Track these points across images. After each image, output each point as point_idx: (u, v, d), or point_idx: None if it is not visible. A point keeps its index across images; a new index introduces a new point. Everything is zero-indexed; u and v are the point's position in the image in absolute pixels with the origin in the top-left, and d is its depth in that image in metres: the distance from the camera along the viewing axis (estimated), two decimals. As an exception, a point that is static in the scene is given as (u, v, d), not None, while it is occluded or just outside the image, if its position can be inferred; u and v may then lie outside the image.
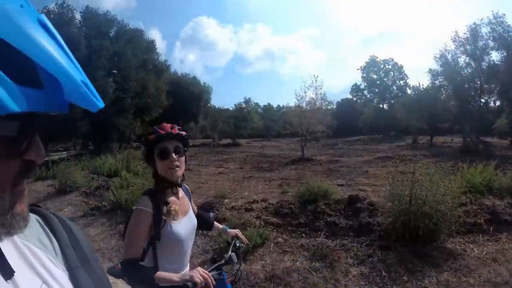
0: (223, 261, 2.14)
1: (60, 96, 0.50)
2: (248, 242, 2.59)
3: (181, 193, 2.12)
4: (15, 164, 0.51)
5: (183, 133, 2.00)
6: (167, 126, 1.96)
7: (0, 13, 0.43)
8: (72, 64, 0.50)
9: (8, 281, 0.53)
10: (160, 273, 1.76)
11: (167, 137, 1.93)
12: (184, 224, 2.01)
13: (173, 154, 1.93)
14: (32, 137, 0.52)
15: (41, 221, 0.69)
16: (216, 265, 2.09)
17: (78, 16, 24.44)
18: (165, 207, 1.91)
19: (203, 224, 2.43)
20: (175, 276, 1.73)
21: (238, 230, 2.54)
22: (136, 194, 6.86)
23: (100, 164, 13.49)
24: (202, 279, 1.65)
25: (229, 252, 2.22)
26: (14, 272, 0.54)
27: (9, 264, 0.54)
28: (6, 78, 0.42)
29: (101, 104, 0.52)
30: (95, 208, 8.00)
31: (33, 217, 0.68)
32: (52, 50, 0.46)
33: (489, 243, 5.08)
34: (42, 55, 0.45)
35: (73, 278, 0.65)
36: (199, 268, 1.72)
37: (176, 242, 1.94)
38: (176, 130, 1.96)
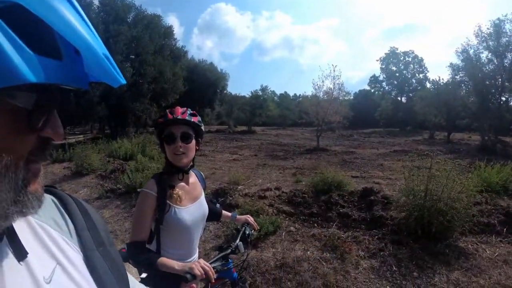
0: (229, 250, 2.11)
1: (80, 69, 0.49)
2: (258, 227, 2.55)
3: (192, 178, 2.11)
4: (31, 139, 0.49)
5: (194, 119, 1.95)
6: (179, 110, 1.93)
7: None
8: (94, 37, 0.48)
9: (21, 262, 0.53)
10: (163, 259, 1.75)
11: (174, 122, 1.90)
12: (192, 211, 1.99)
13: (179, 140, 1.90)
14: (49, 113, 0.50)
15: (57, 202, 0.69)
16: (220, 255, 2.07)
17: (96, 1, 24.54)
18: (169, 190, 1.90)
19: (211, 215, 2.38)
20: (176, 265, 1.70)
21: (248, 216, 2.50)
22: (150, 177, 6.94)
23: (116, 148, 13.65)
24: (202, 271, 1.62)
25: (237, 241, 2.19)
26: (27, 253, 0.54)
27: (23, 245, 0.54)
28: (24, 46, 0.41)
29: (122, 80, 0.51)
30: (110, 190, 8.14)
31: (48, 198, 0.68)
32: (74, 20, 0.45)
33: (502, 245, 5.00)
34: (63, 24, 0.43)
35: (87, 260, 0.65)
36: (201, 260, 1.70)
37: (180, 228, 1.92)
38: (186, 115, 1.91)
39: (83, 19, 0.48)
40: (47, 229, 0.62)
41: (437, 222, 4.73)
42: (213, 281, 1.71)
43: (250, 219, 2.46)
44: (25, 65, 0.40)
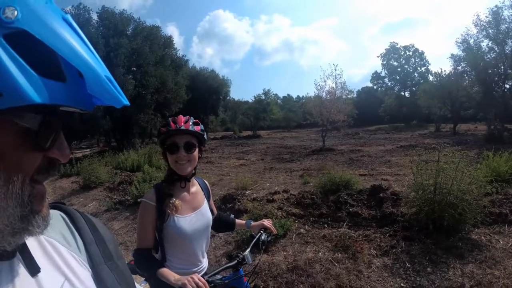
0: (234, 261, 2.05)
1: (84, 91, 0.50)
2: (276, 231, 2.47)
3: (194, 188, 2.11)
4: (37, 159, 0.51)
5: (197, 128, 1.95)
6: (181, 119, 1.92)
7: (25, 7, 0.44)
8: (96, 59, 0.50)
9: (33, 277, 0.54)
10: (163, 270, 1.75)
11: (177, 132, 1.90)
12: (192, 220, 1.98)
13: (182, 150, 1.91)
14: (56, 134, 0.52)
15: (65, 218, 0.70)
16: (223, 267, 1.98)
17: (94, 16, 24.75)
18: (167, 200, 1.91)
19: (225, 226, 2.39)
20: (172, 278, 1.68)
21: (264, 220, 2.44)
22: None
23: (123, 160, 13.73)
24: (195, 287, 1.57)
25: (246, 251, 2.12)
26: (40, 269, 0.56)
27: (36, 262, 0.56)
28: (29, 69, 0.43)
29: (125, 101, 0.52)
30: (119, 202, 8.17)
31: (57, 213, 0.70)
32: (75, 44, 0.48)
33: (515, 234, 4.94)
34: (66, 48, 0.46)
35: (96, 274, 0.66)
36: (195, 275, 1.65)
37: (181, 237, 1.92)
38: (188, 125, 1.91)
39: (85, 43, 0.51)
40: (56, 245, 0.63)
41: (448, 216, 4.67)
42: None
43: (267, 223, 2.40)
44: (30, 86, 0.43)
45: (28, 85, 0.43)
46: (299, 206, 6.66)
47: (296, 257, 4.57)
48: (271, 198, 7.17)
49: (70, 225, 0.70)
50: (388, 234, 5.12)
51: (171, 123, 1.91)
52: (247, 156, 17.76)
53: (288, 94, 70.27)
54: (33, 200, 0.52)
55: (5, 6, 0.43)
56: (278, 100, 61.20)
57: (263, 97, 41.53)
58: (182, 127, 1.89)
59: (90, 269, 0.66)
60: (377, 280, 3.97)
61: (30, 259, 0.56)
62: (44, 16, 0.46)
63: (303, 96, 61.43)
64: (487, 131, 25.79)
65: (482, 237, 4.81)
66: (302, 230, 5.52)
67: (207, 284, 1.60)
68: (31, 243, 0.58)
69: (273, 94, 46.55)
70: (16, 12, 0.43)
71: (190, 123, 1.93)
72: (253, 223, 2.43)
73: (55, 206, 0.72)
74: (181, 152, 1.90)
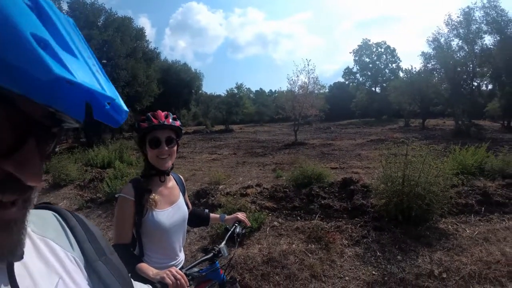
0: (211, 254, 2.07)
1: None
2: (249, 224, 2.51)
3: (170, 182, 2.12)
4: None
5: (177, 123, 1.98)
6: (161, 114, 1.94)
7: None
8: (35, 18, 0.39)
9: (27, 277, 0.52)
10: (141, 265, 1.73)
11: (160, 127, 1.91)
12: (170, 214, 1.99)
13: (164, 144, 1.92)
14: (14, 137, 0.42)
15: (58, 217, 0.69)
16: (200, 260, 1.99)
17: (65, 6, 24.08)
18: (146, 195, 1.91)
19: (200, 220, 2.40)
20: (151, 272, 1.66)
21: (238, 213, 2.45)
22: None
23: (93, 156, 13.41)
24: (174, 280, 1.55)
25: (221, 244, 2.15)
26: None
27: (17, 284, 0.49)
28: None
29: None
30: (90, 200, 7.99)
31: (49, 213, 0.68)
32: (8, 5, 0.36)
33: (481, 223, 5.19)
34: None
35: (93, 271, 0.66)
36: (173, 268, 1.64)
37: (159, 231, 1.93)
38: (169, 120, 1.94)
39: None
40: (50, 244, 0.61)
41: (416, 206, 4.85)
42: None
43: (241, 216, 2.41)
44: None
45: None
46: (272, 199, 6.73)
47: (270, 250, 4.63)
48: (245, 192, 7.21)
49: (63, 223, 0.68)
50: (359, 224, 5.26)
51: (152, 118, 1.91)
52: (220, 151, 17.72)
53: (261, 88, 70.59)
54: None
55: None
56: (251, 94, 61.26)
57: (236, 91, 41.39)
58: (165, 122, 1.90)
59: (83, 267, 0.66)
60: (350, 269, 4.08)
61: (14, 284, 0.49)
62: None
63: (275, 91, 61.58)
64: (454, 126, 26.67)
65: (449, 226, 5.04)
66: (275, 223, 5.58)
67: (185, 277, 1.60)
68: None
69: (246, 88, 46.71)
70: None
71: (171, 118, 1.95)
72: (227, 216, 2.44)
73: (44, 206, 0.70)
74: (163, 147, 1.92)
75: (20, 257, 0.49)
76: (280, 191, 7.05)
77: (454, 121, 28.95)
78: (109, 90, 0.45)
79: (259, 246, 4.82)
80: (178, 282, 1.55)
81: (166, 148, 1.93)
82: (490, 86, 34.51)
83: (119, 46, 24.68)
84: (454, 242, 4.53)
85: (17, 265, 0.50)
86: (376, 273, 3.94)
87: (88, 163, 13.11)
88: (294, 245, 4.73)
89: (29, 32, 0.36)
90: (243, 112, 42.61)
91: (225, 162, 13.64)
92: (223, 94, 43.67)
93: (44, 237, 0.61)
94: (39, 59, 0.35)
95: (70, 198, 8.64)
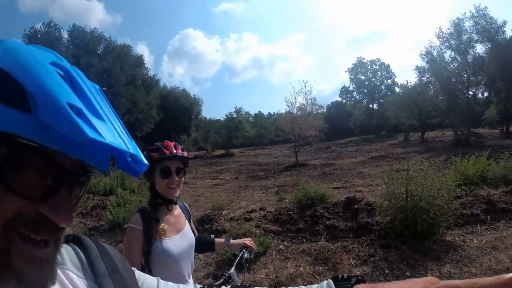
0: (221, 280, 2.05)
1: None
2: (257, 249, 2.51)
3: (176, 210, 2.13)
4: (9, 202, 0.45)
5: (185, 154, 2.03)
6: (171, 145, 1.98)
7: (3, 47, 0.47)
8: (68, 88, 0.46)
9: None
10: None
11: (171, 158, 1.95)
12: (178, 242, 2.00)
13: (175, 174, 1.96)
14: (46, 184, 0.48)
15: (73, 245, 0.69)
16: (212, 286, 2.00)
17: (65, 34, 24.50)
18: (154, 224, 1.92)
19: (205, 246, 2.40)
20: None
21: (245, 239, 2.46)
22: (133, 211, 6.78)
23: (95, 183, 13.32)
24: None
25: (231, 269, 2.13)
26: None
27: None
28: None
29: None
30: (93, 228, 7.91)
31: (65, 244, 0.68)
32: (41, 74, 0.44)
33: (488, 232, 5.18)
34: (28, 78, 0.43)
35: (97, 286, 0.65)
36: None
37: (168, 259, 1.93)
38: (179, 151, 1.98)
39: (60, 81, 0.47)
40: (68, 274, 0.62)
41: (421, 221, 4.83)
42: None
43: (248, 242, 2.41)
44: None
45: None
46: (276, 222, 6.68)
47: (277, 273, 4.59)
48: (248, 217, 7.17)
49: (77, 249, 0.68)
50: (365, 243, 5.22)
51: (164, 149, 1.95)
52: (221, 175, 17.69)
53: (260, 111, 70.68)
54: (9, 256, 0.46)
55: None
56: (250, 118, 61.35)
57: (235, 115, 41.53)
58: (177, 154, 1.96)
59: (93, 284, 0.65)
60: (358, 289, 4.03)
61: None
62: (20, 56, 0.45)
63: (274, 113, 61.75)
64: (454, 136, 26.77)
65: (456, 238, 5.01)
66: (281, 246, 5.54)
67: None
68: None
69: (245, 111, 46.70)
70: None
71: (180, 149, 2.00)
72: (232, 240, 2.44)
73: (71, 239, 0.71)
74: (173, 177, 1.95)
75: None
76: (284, 214, 7.00)
77: (453, 132, 29.08)
78: (132, 147, 0.51)
79: (266, 270, 4.77)
80: None
81: (177, 178, 1.96)
82: (485, 94, 35.04)
83: (119, 74, 25.02)
84: (462, 253, 4.51)
85: None
86: (386, 292, 3.89)
87: (90, 190, 13.00)
88: (301, 268, 4.68)
89: (66, 101, 0.43)
90: (243, 135, 42.67)
91: (227, 186, 13.61)
92: (222, 119, 43.75)
93: (63, 268, 0.63)
94: (75, 125, 0.42)
95: (72, 226, 8.55)
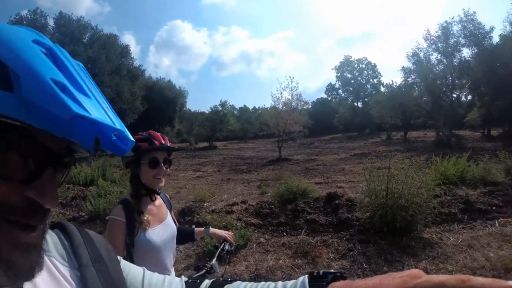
0: (203, 271, 2.06)
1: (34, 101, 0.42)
2: (234, 243, 2.52)
3: (158, 201, 2.12)
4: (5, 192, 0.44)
5: (171, 145, 2.04)
6: (159, 135, 1.98)
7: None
8: (52, 65, 0.45)
9: None
10: None
11: (160, 148, 1.95)
12: (160, 232, 2.00)
13: (162, 165, 1.96)
14: (33, 165, 0.46)
15: (58, 232, 0.68)
16: (193, 277, 1.90)
17: (51, 22, 24.01)
18: (137, 216, 1.90)
19: (186, 237, 2.40)
20: None
21: (226, 232, 2.45)
22: (114, 202, 6.64)
23: (75, 174, 13.15)
24: None
25: (212, 261, 2.14)
26: None
27: None
28: None
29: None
30: (73, 219, 7.80)
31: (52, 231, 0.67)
32: (22, 50, 0.43)
33: (464, 231, 5.32)
34: (8, 53, 0.42)
35: (81, 277, 0.63)
36: None
37: (151, 250, 1.93)
38: (167, 142, 1.99)
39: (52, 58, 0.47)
40: (54, 262, 0.61)
41: (400, 218, 4.92)
42: None
43: (228, 235, 2.40)
44: None
45: None
46: (258, 216, 6.71)
47: (257, 266, 4.61)
48: (230, 210, 7.18)
49: (62, 237, 0.67)
50: (344, 238, 5.29)
51: (154, 140, 1.94)
52: (204, 168, 17.66)
53: (245, 105, 70.45)
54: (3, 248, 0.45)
55: None
56: (235, 111, 61.28)
57: (220, 108, 41.44)
58: (165, 144, 1.96)
59: (77, 272, 0.64)
60: (336, 283, 4.08)
61: None
62: (0, 34, 0.43)
63: (259, 107, 61.93)
64: (436, 137, 27.28)
65: (434, 236, 5.14)
66: (262, 239, 5.56)
67: None
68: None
69: (230, 105, 46.65)
70: None
71: (167, 140, 2.02)
72: (212, 229, 2.43)
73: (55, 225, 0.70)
74: (161, 167, 1.95)
75: (32, 276, 0.50)
76: (265, 207, 7.04)
77: (435, 133, 29.66)
78: (118, 123, 0.51)
79: (246, 263, 4.79)
80: None
81: (164, 168, 1.97)
82: (469, 97, 35.61)
83: (104, 63, 24.69)
84: (439, 250, 4.61)
85: (27, 285, 0.51)
86: (363, 286, 3.95)
87: (70, 181, 12.80)
88: (281, 261, 4.71)
89: (49, 77, 0.42)
90: (227, 129, 42.59)
91: (209, 179, 13.60)
92: (207, 111, 43.58)
93: (49, 255, 0.61)
94: (60, 100, 0.41)
95: (51, 217, 8.27)
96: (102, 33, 26.97)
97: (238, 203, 7.82)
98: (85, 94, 0.47)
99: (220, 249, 2.29)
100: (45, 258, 0.57)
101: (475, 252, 4.48)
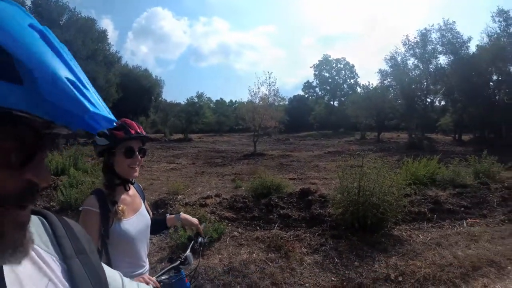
0: (177, 262, 2.06)
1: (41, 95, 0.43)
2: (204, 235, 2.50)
3: (132, 191, 2.09)
4: (6, 178, 0.45)
5: (148, 135, 2.01)
6: (134, 124, 1.94)
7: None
8: (59, 61, 0.45)
9: (15, 281, 0.53)
10: None
11: (136, 137, 1.92)
12: (135, 222, 1.98)
13: (137, 154, 1.93)
14: (30, 150, 0.47)
15: (42, 219, 0.68)
16: (168, 268, 2.00)
17: (28, 2, 23.17)
18: (111, 206, 1.88)
19: (158, 225, 2.37)
20: None
21: (198, 222, 2.43)
22: (86, 193, 6.57)
23: (46, 162, 12.80)
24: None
25: (187, 252, 2.14)
26: None
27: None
28: None
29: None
30: (43, 209, 7.62)
31: (34, 217, 0.66)
32: (32, 44, 0.43)
33: (433, 230, 5.54)
34: (18, 47, 0.41)
35: (67, 268, 0.64)
36: (146, 275, 1.67)
37: (126, 241, 1.91)
38: (143, 130, 1.96)
39: (53, 48, 0.46)
40: (37, 250, 0.61)
41: (371, 215, 5.06)
42: None
43: (198, 226, 2.40)
44: None
45: None
46: (231, 209, 6.75)
47: (231, 259, 4.64)
48: (204, 203, 7.17)
49: (47, 225, 0.67)
50: (317, 233, 5.39)
51: (130, 129, 1.90)
52: (178, 160, 17.52)
53: (221, 98, 70.16)
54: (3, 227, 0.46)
55: None
56: (211, 104, 60.88)
57: (196, 100, 41.11)
58: (141, 133, 1.92)
59: (63, 264, 0.64)
60: (309, 276, 4.17)
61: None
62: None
63: (236, 101, 61.68)
64: (408, 139, 28.00)
65: (403, 233, 5.33)
66: (235, 233, 5.60)
67: (156, 283, 1.62)
68: None
69: (206, 97, 46.29)
70: None
71: (142, 129, 1.97)
72: (183, 214, 2.41)
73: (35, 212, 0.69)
74: (136, 157, 1.92)
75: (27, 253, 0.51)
76: (239, 201, 7.07)
77: (408, 135, 30.51)
78: (108, 111, 0.51)
79: (220, 256, 4.81)
80: None
81: (139, 158, 1.95)
82: (442, 102, 36.69)
83: (80, 48, 24.06)
84: (408, 247, 4.79)
85: (5, 270, 0.52)
86: (335, 279, 4.06)
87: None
88: (254, 255, 4.76)
89: (64, 77, 0.43)
90: (202, 121, 42.37)
91: (183, 171, 13.51)
92: (183, 103, 43.11)
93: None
94: (77, 100, 0.43)
95: None
96: (79, 16, 26.29)
97: (212, 196, 7.82)
98: (85, 87, 0.48)
99: (193, 241, 2.31)
100: None
101: (443, 250, 4.67)
